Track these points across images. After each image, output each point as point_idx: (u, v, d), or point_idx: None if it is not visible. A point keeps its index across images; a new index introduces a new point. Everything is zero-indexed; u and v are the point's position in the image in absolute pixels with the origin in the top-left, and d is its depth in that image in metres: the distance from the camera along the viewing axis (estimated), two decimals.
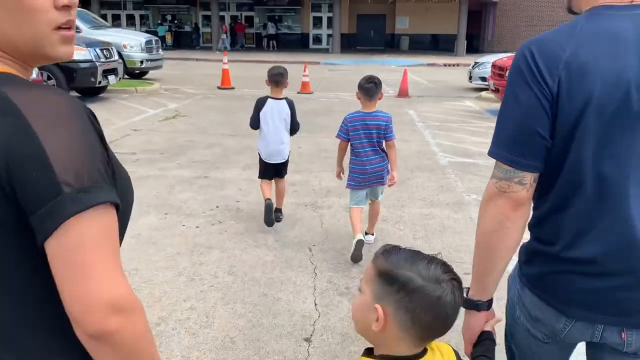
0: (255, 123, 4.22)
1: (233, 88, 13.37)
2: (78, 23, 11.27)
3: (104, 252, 0.72)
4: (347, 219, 4.52)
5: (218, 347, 2.70)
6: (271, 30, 32.04)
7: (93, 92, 10.77)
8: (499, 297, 1.40)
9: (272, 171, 4.33)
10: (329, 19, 31.37)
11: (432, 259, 1.03)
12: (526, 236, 1.29)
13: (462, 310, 1.09)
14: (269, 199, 4.21)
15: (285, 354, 2.66)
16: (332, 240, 4.14)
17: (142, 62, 13.31)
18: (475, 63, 13.59)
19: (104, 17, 25.11)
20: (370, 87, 3.62)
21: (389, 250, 1.06)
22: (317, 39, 33.11)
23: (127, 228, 0.91)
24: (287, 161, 4.35)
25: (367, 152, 3.71)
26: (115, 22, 30.69)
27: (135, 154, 6.55)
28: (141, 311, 0.77)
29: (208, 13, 30.63)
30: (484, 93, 12.54)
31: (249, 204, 4.90)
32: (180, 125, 8.62)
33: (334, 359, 2.64)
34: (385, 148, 3.76)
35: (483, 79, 12.83)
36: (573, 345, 1.35)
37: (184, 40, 31.55)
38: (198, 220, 4.49)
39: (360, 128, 3.67)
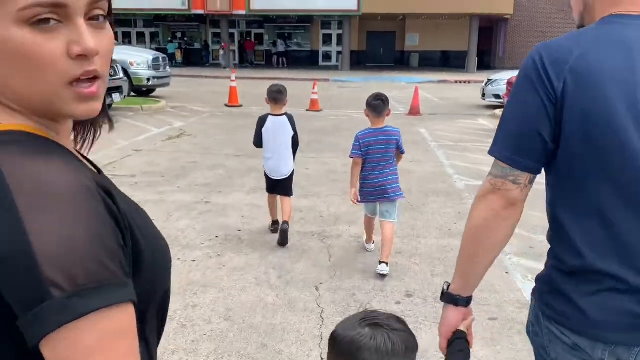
0: (258, 141, 4.35)
1: (241, 106, 13.14)
2: None
3: None
4: (358, 251, 4.33)
5: None
6: (281, 47, 32.02)
7: None
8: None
9: (277, 187, 4.40)
10: (339, 36, 31.31)
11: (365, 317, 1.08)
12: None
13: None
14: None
15: None
16: (340, 277, 3.76)
17: (148, 79, 13.14)
18: (489, 80, 13.27)
19: (115, 34, 25.14)
20: (378, 104, 3.75)
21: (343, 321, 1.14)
22: (327, 56, 33.04)
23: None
24: (290, 178, 4.38)
25: (379, 166, 3.79)
26: (126, 39, 30.88)
27: (134, 177, 6.23)
28: None
29: (218, 30, 30.71)
30: (498, 111, 12.16)
31: (252, 234, 4.55)
32: (184, 145, 8.34)
33: None
34: (395, 158, 3.88)
35: (497, 96, 12.50)
36: None
37: (194, 57, 31.60)
38: (195, 252, 4.14)
39: (373, 144, 3.77)
